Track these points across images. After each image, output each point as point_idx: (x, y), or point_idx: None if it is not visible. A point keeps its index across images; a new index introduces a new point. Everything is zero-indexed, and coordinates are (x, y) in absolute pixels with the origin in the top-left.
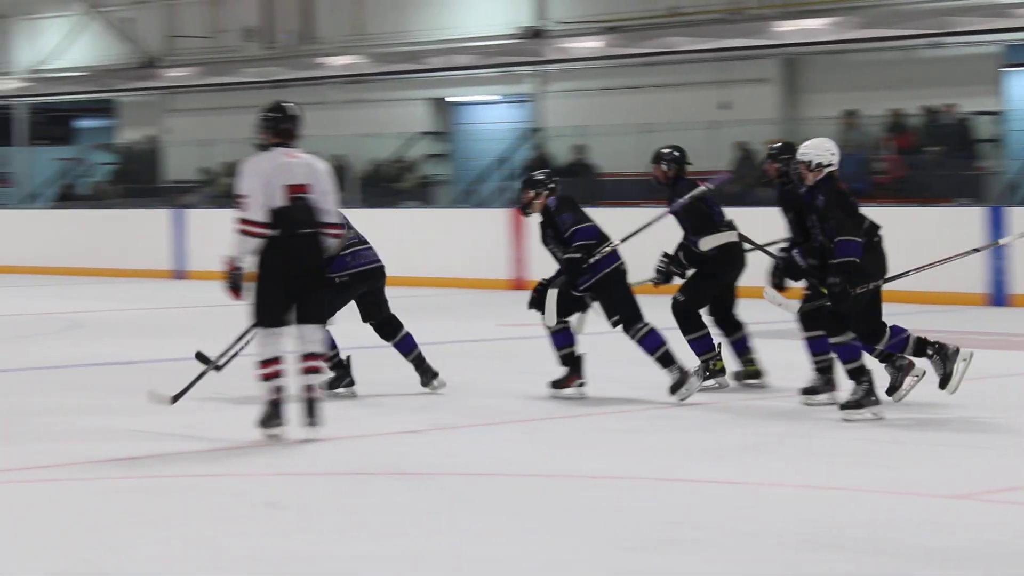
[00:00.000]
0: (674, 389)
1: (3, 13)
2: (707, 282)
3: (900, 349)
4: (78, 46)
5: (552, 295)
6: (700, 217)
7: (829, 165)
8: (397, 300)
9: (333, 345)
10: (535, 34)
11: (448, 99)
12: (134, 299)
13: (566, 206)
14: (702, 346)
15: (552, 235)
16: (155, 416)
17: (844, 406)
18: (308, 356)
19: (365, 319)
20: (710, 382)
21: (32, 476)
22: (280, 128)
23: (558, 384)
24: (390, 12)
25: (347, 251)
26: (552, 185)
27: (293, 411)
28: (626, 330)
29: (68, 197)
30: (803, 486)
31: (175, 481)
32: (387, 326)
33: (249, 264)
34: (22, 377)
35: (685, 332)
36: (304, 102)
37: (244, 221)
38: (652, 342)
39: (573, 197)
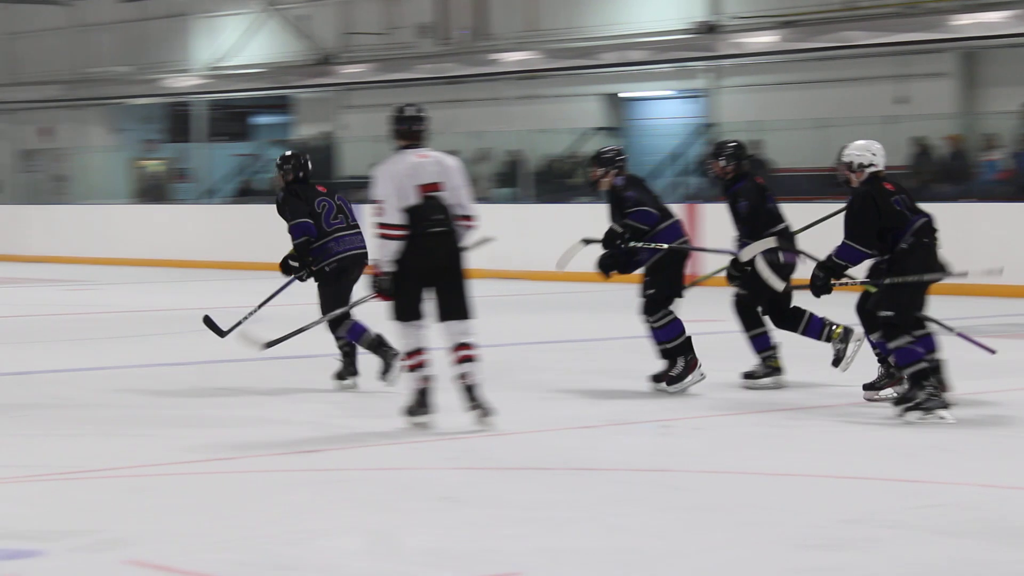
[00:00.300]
0: (670, 380)
1: (182, 11)
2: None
3: (904, 360)
4: (255, 43)
5: (576, 246)
6: (757, 226)
7: (871, 166)
8: (569, 296)
9: (364, 328)
10: (709, 29)
11: (621, 94)
12: (311, 294)
13: (632, 185)
14: (761, 344)
15: (619, 213)
16: (327, 408)
17: (908, 409)
18: (460, 347)
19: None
20: (767, 380)
21: (214, 467)
22: (406, 130)
23: (661, 378)
24: (564, 8)
25: (330, 238)
26: (620, 163)
27: (441, 400)
28: (649, 313)
29: (245, 192)
30: (984, 485)
31: (352, 474)
32: (336, 319)
33: (393, 267)
34: (195, 371)
35: (746, 328)
36: (478, 98)
37: (382, 225)
38: (668, 334)
39: (642, 178)
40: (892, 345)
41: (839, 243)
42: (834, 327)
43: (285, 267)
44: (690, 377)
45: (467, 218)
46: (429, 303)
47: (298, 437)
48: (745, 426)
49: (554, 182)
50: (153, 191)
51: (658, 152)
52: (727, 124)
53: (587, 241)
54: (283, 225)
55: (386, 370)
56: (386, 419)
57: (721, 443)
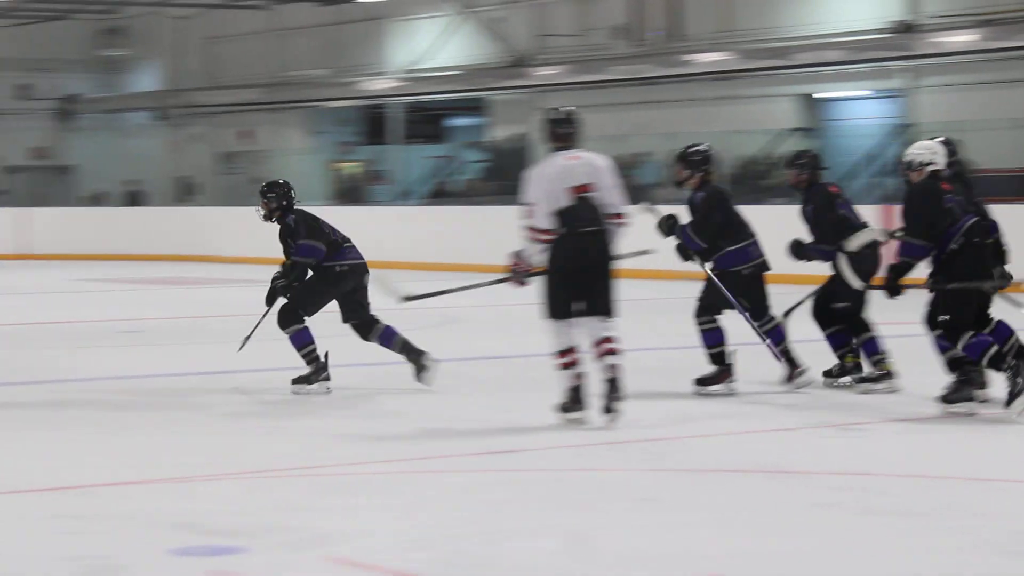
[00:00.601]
0: (704, 382)
1: (378, 15)
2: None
3: (976, 352)
4: (451, 46)
5: (642, 206)
6: (832, 225)
7: (930, 164)
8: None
9: (311, 340)
10: (907, 28)
11: (817, 95)
12: (505, 296)
13: (709, 200)
14: (837, 341)
15: (689, 216)
16: (521, 407)
17: (1008, 403)
18: (603, 340)
19: (346, 319)
20: (844, 379)
21: (412, 467)
22: (558, 132)
23: (790, 378)
24: (759, 8)
25: (344, 245)
26: (706, 169)
27: (596, 393)
28: (696, 315)
29: (440, 194)
30: None
31: (550, 474)
32: (364, 326)
33: (535, 263)
34: (395, 371)
35: (822, 327)
36: (672, 99)
37: (531, 228)
38: (709, 339)
39: (725, 196)
40: (959, 346)
41: (899, 244)
42: (886, 360)
43: (275, 293)
44: (715, 387)
45: (619, 217)
46: (579, 301)
47: (495, 437)
48: (940, 431)
49: (749, 183)
50: (350, 193)
51: (854, 153)
52: (925, 124)
53: (649, 209)
54: (481, 226)
55: (420, 369)
56: (580, 422)
57: (916, 448)
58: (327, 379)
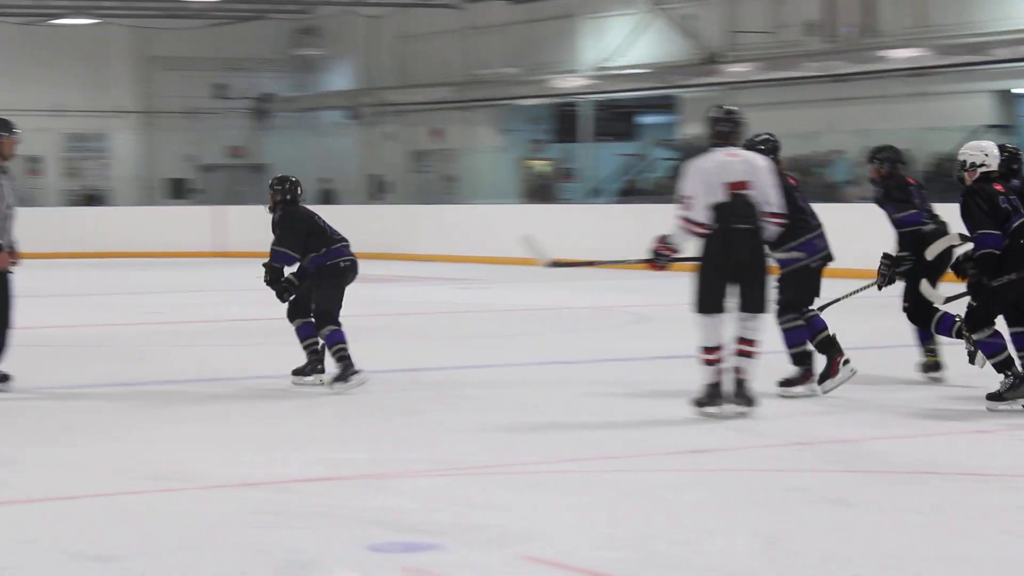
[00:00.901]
0: (787, 383)
1: (569, 12)
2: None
3: (989, 351)
4: (641, 43)
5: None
6: (901, 203)
7: (982, 165)
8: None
9: (342, 339)
10: None
11: (1015, 91)
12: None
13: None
14: (922, 338)
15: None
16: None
17: (991, 396)
18: (743, 340)
19: (295, 301)
20: (934, 374)
21: (605, 466)
22: (719, 130)
23: (823, 378)
24: (954, 3)
25: (338, 243)
26: (772, 157)
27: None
28: (778, 315)
29: (630, 192)
30: None
31: (742, 475)
32: (302, 309)
33: (680, 249)
34: (586, 369)
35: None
36: (865, 96)
37: (686, 220)
38: (794, 338)
39: (789, 187)
40: (975, 338)
41: (976, 239)
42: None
43: (282, 289)
44: (800, 388)
45: (775, 216)
46: (730, 297)
47: (682, 436)
48: None
49: (943, 181)
50: (540, 191)
51: None
52: None
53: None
54: (671, 224)
55: (310, 371)
56: (770, 422)
57: None
58: (356, 373)
